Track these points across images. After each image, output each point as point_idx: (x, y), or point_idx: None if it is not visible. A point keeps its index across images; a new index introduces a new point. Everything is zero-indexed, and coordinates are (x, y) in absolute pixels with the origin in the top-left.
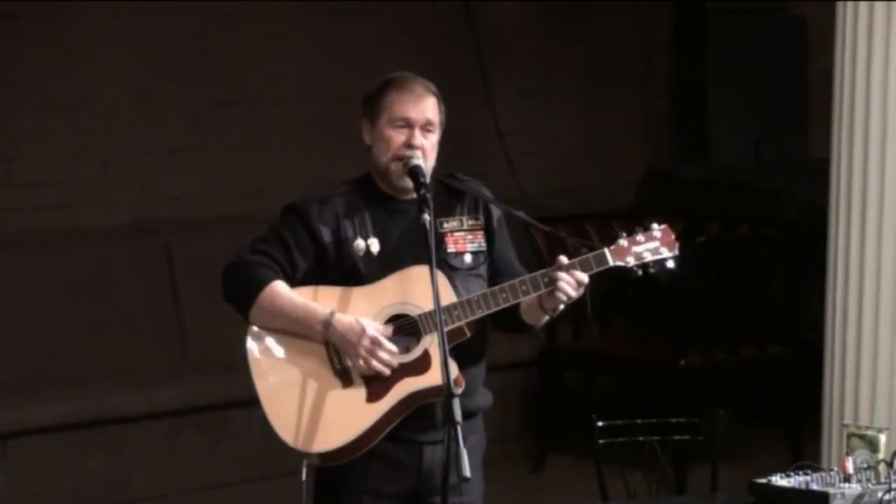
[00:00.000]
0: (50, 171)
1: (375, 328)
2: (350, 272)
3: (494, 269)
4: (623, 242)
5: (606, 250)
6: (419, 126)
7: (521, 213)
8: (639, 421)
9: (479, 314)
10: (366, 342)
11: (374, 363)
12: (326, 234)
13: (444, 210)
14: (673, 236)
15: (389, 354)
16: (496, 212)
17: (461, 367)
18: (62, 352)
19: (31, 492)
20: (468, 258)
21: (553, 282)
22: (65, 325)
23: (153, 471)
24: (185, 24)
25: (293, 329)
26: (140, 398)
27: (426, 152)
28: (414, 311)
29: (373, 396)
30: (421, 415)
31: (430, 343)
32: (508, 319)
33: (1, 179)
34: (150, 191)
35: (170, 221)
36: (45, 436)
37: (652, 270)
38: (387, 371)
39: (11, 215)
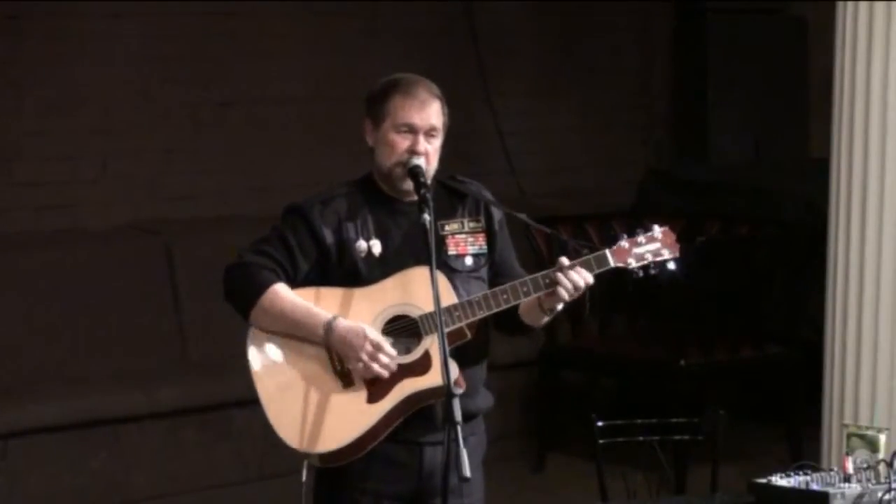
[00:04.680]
0: (50, 171)
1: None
2: (351, 273)
3: (495, 271)
4: (624, 244)
5: (607, 251)
6: (423, 132)
7: (522, 215)
8: (639, 421)
9: (480, 315)
10: (367, 346)
11: (375, 366)
12: (328, 236)
13: (445, 212)
14: (674, 237)
15: (389, 358)
16: (497, 214)
17: (462, 368)
18: (62, 352)
19: (31, 492)
20: (469, 260)
21: (553, 283)
22: (65, 325)
23: (153, 471)
24: (185, 24)
25: (293, 332)
26: (140, 398)
27: (429, 157)
28: (415, 313)
29: (373, 397)
30: (421, 415)
31: (431, 344)
32: (508, 321)
33: (1, 179)
34: (150, 191)
35: (170, 221)
36: (45, 436)
37: (653, 272)
38: (385, 374)
39: (11, 215)
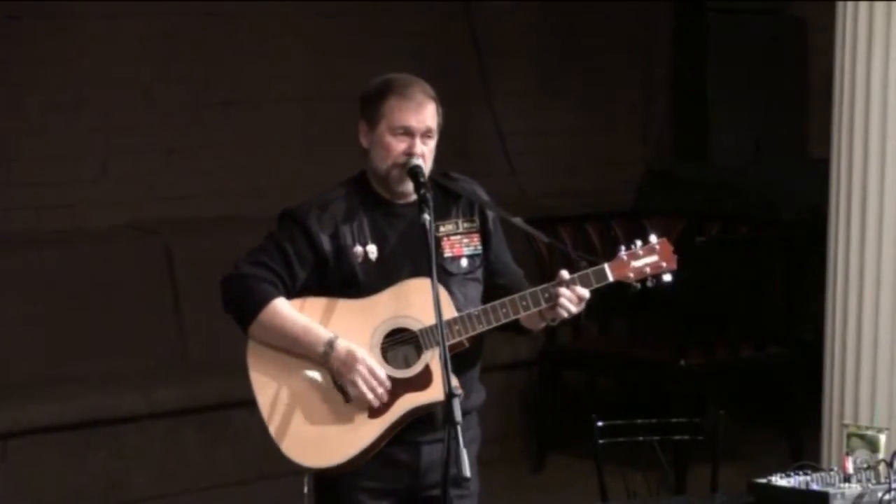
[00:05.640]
0: (50, 171)
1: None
2: (349, 279)
3: (491, 270)
4: (623, 257)
5: (606, 266)
6: (420, 134)
7: (517, 220)
8: (639, 421)
9: (480, 329)
10: (364, 371)
11: (369, 395)
12: (326, 243)
13: (440, 213)
14: (671, 249)
15: (383, 389)
16: (491, 213)
17: (458, 372)
18: (62, 352)
19: (31, 492)
20: (464, 262)
21: (554, 297)
22: (65, 325)
23: (153, 471)
24: (185, 24)
25: (293, 349)
26: (140, 398)
27: (425, 159)
28: (413, 325)
29: (375, 412)
30: (421, 416)
31: (431, 358)
32: (507, 324)
33: (1, 179)
34: (150, 191)
35: (170, 221)
36: (45, 436)
37: (650, 284)
38: (376, 403)
39: (11, 215)
